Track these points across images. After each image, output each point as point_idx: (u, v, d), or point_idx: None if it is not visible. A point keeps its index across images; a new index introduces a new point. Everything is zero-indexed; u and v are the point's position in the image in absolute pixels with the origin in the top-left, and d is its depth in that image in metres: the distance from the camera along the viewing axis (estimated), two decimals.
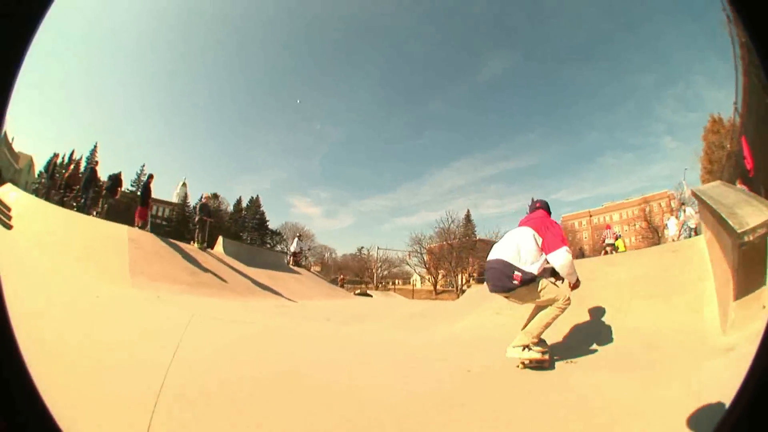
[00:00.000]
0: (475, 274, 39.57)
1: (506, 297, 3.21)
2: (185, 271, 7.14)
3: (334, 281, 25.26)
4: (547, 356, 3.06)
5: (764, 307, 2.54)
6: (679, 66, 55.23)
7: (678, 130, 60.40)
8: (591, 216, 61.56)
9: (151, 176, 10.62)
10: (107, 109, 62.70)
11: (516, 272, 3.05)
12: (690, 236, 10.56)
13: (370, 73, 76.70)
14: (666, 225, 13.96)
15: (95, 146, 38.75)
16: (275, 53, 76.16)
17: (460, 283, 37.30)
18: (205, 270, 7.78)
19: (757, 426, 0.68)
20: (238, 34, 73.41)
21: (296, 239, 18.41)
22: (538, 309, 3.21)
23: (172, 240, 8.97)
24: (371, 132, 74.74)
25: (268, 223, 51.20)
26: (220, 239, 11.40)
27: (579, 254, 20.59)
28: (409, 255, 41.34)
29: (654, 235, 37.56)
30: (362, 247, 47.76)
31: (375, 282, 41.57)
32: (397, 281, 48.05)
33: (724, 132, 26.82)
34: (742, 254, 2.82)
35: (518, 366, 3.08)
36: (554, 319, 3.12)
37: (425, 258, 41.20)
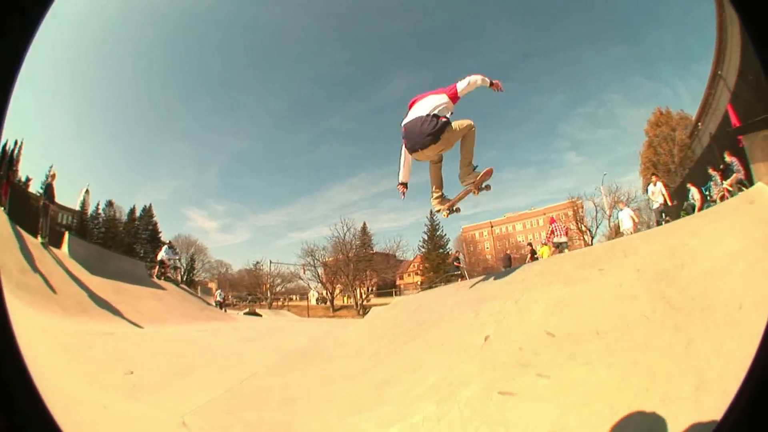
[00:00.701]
0: (374, 288, 39.65)
1: (432, 148, 3.61)
2: (16, 267, 5.87)
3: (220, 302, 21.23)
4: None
5: None
6: (592, 86, 59.00)
7: (583, 146, 63.76)
8: (492, 227, 63.28)
9: (53, 175, 9.34)
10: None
11: (440, 117, 3.57)
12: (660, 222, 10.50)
13: (276, 82, 75.16)
14: (619, 219, 13.20)
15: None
16: (180, 56, 72.24)
17: (359, 296, 36.17)
18: (35, 271, 6.13)
19: (757, 426, 0.68)
20: (143, 34, 70.03)
21: (165, 247, 15.48)
22: (437, 168, 4.19)
23: (19, 228, 7.36)
24: (272, 144, 73.49)
25: (160, 234, 46.89)
26: (67, 237, 9.45)
27: (506, 262, 17.93)
28: (303, 269, 39.44)
29: (581, 236, 37.75)
30: (258, 262, 45.67)
31: (269, 299, 39.59)
32: (294, 297, 45.81)
33: (675, 122, 27.57)
34: None
35: (473, 193, 4.18)
36: (474, 140, 3.87)
37: (319, 272, 39.58)
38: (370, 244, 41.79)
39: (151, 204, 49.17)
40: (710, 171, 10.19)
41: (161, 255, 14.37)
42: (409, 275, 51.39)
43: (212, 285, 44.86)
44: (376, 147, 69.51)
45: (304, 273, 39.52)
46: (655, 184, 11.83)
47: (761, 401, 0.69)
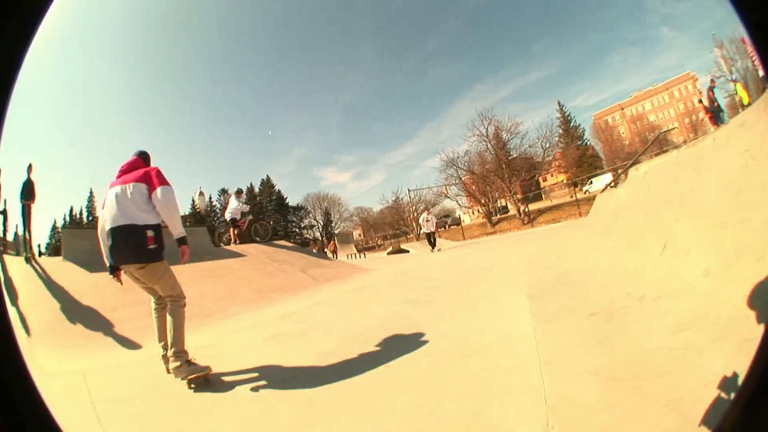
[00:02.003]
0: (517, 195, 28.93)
1: (138, 271, 2.51)
2: None
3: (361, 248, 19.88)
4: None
5: None
6: None
7: (671, 19, 60.22)
8: (623, 109, 58.73)
9: (30, 166, 7.09)
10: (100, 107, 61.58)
11: (147, 230, 2.47)
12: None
13: (364, 28, 77.52)
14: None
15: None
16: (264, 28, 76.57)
17: (518, 203, 27.53)
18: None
19: (758, 426, 0.68)
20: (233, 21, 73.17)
21: (232, 198, 10.52)
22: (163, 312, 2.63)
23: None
24: (378, 87, 75.06)
25: (287, 200, 49.74)
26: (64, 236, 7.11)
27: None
28: (446, 188, 32.38)
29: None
30: (396, 196, 41.54)
31: (416, 230, 33.52)
32: (446, 224, 39.43)
33: None
34: None
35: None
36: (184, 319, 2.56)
37: (465, 182, 31.90)
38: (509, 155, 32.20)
39: (267, 175, 51.57)
40: None
41: (228, 213, 10.22)
42: (552, 175, 45.05)
43: (356, 232, 44.76)
44: (482, 56, 71.36)
45: (447, 192, 32.74)
46: None
47: (761, 401, 0.69)
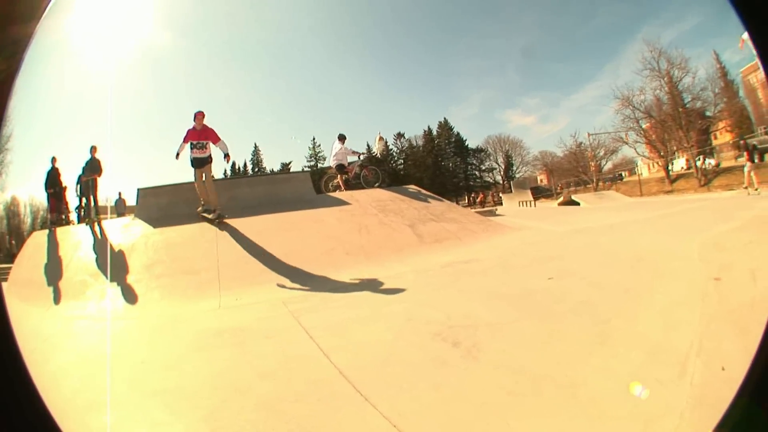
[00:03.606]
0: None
1: None
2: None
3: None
4: None
5: None
6: None
7: None
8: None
9: (54, 159, 8.87)
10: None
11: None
12: None
13: None
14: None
15: None
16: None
17: (699, 159, 24.29)
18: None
19: (758, 425, 0.68)
20: None
21: (335, 143, 9.37)
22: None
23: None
24: (552, 27, 74.44)
25: (466, 142, 47.41)
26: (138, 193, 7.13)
27: None
28: (626, 134, 29.14)
29: None
30: (577, 141, 37.24)
31: (595, 179, 31.57)
32: (623, 173, 36.21)
33: None
34: None
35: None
36: None
37: (643, 127, 28.22)
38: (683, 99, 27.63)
39: (444, 118, 48.69)
40: None
41: (333, 159, 9.39)
42: (720, 133, 34.95)
43: (542, 176, 42.48)
44: None
45: (627, 137, 29.28)
46: None
47: (761, 401, 0.69)
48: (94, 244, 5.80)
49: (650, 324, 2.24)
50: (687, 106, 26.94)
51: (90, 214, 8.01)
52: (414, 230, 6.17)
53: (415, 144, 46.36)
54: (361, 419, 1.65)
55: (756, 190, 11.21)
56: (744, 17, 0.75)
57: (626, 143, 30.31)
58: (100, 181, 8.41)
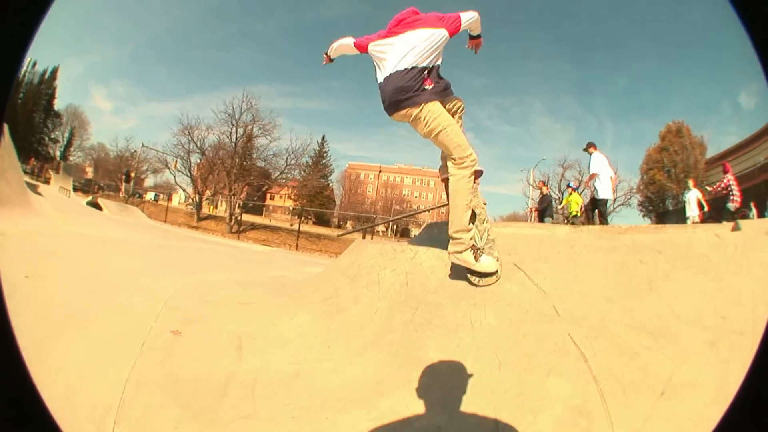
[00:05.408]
0: (240, 203, 25.89)
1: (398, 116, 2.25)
2: None
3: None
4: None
5: None
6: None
7: (485, 133, 71.88)
8: (381, 172, 63.51)
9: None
10: None
11: (425, 75, 2.13)
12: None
13: None
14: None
15: None
16: None
17: (233, 207, 24.77)
18: None
19: (758, 427, 0.68)
20: None
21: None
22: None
23: None
24: (185, 34, 79.54)
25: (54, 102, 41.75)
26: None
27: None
28: (175, 161, 28.04)
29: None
30: (130, 144, 38.88)
31: (129, 189, 31.20)
32: (161, 195, 37.29)
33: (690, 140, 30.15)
34: None
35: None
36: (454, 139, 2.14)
37: (192, 161, 27.38)
38: (250, 153, 27.93)
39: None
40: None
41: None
42: (281, 197, 44.49)
43: (89, 169, 43.28)
44: (295, 60, 73.84)
45: (176, 165, 27.90)
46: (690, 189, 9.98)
47: (761, 401, 0.68)
48: None
49: None
50: (246, 162, 27.03)
51: None
52: None
53: None
54: None
55: None
56: (744, 17, 0.74)
57: (169, 169, 29.52)
58: None
